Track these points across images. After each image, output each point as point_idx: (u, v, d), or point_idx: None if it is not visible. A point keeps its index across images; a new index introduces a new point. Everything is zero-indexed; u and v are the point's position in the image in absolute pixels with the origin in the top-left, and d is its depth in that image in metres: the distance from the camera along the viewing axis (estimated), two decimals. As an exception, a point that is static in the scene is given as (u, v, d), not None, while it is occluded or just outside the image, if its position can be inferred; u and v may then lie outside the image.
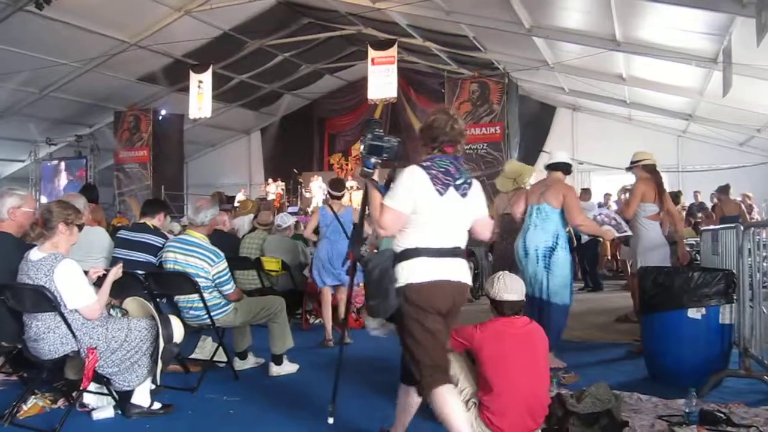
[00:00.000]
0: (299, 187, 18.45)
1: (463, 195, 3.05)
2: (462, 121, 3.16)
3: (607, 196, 13.97)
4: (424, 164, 3.01)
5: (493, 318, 3.52)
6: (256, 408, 4.16)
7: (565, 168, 5.33)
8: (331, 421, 3.40)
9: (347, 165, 20.98)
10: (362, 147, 3.06)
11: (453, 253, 3.04)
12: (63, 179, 19.23)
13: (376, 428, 3.60)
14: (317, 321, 6.99)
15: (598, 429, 3.48)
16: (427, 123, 3.15)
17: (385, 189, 3.03)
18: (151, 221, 5.10)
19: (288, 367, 4.98)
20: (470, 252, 9.97)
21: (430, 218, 2.97)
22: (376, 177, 3.11)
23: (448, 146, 3.08)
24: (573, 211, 4.98)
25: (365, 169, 3.05)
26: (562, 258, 4.96)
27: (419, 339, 2.97)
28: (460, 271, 3.05)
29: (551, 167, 5.28)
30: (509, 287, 3.48)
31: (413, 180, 2.96)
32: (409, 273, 2.95)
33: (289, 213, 13.38)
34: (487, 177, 15.53)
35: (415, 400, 3.15)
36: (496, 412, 3.38)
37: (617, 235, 5.35)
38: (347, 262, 5.83)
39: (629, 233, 5.44)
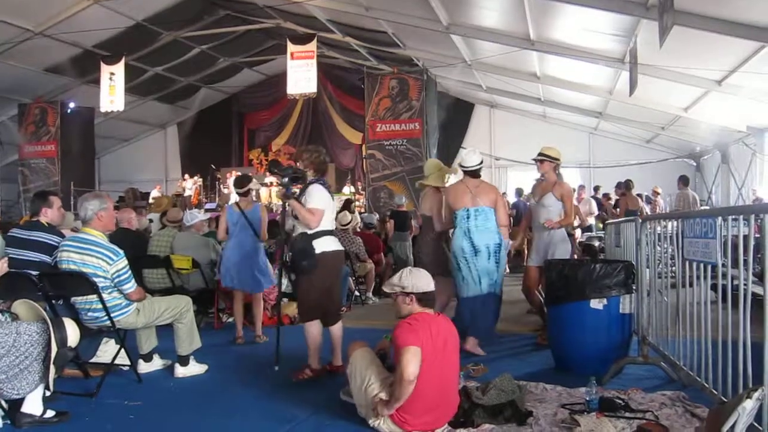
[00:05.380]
0: (217, 182, 17.92)
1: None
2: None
3: (519, 190, 14.31)
4: (321, 182, 4.65)
5: (415, 316, 3.47)
6: (158, 412, 4.00)
7: (479, 171, 5.55)
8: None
9: (267, 160, 20.28)
10: (284, 180, 4.57)
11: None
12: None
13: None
14: (230, 320, 6.82)
15: (502, 420, 3.54)
16: (319, 160, 4.73)
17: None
18: (45, 218, 4.79)
19: (195, 369, 4.82)
20: (389, 248, 10.02)
21: (329, 212, 4.67)
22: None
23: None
24: (502, 210, 5.43)
25: (289, 193, 4.57)
26: (504, 252, 5.34)
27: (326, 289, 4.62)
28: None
29: (470, 173, 5.49)
30: (429, 278, 3.58)
31: (324, 191, 4.61)
32: (323, 245, 4.51)
33: (207, 209, 13.06)
34: (407, 173, 15.67)
35: (316, 330, 4.63)
36: (410, 411, 3.37)
37: None
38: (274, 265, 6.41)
39: None
